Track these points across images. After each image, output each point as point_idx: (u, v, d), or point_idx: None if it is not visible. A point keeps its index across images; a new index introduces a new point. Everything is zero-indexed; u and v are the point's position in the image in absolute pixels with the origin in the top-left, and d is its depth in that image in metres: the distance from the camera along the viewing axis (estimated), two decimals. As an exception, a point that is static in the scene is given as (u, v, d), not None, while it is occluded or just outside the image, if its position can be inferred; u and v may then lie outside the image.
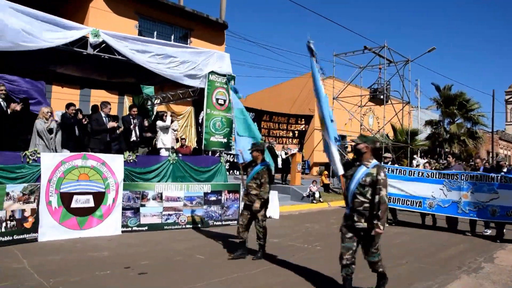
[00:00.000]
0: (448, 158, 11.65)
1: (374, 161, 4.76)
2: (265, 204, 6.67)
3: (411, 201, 10.23)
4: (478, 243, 8.87)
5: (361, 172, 4.71)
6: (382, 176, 4.61)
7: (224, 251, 7.19)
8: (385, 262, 5.14)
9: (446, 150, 28.00)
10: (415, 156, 22.34)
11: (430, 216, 10.64)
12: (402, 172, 10.54)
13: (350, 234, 4.76)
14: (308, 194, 14.74)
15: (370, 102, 22.98)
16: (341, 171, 4.99)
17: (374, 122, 27.14)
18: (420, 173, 10.35)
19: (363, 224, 4.66)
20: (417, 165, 17.60)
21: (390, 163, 11.28)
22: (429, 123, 30.30)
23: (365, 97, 22.20)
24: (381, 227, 4.55)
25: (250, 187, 6.66)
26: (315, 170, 24.87)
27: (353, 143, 5.35)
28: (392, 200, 10.16)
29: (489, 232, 9.71)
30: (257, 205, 6.47)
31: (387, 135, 23.06)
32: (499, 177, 9.24)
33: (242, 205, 7.04)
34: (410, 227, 10.53)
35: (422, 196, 10.12)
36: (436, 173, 10.21)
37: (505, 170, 9.66)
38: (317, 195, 14.74)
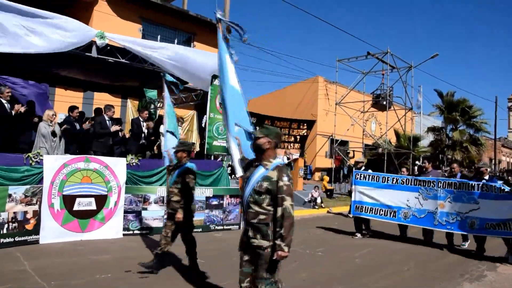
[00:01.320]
0: (424, 163, 10.68)
1: (277, 161, 3.67)
2: (189, 212, 5.74)
3: (385, 210, 9.22)
4: (454, 262, 7.73)
5: (257, 175, 3.63)
6: (285, 182, 3.52)
7: (225, 255, 7.17)
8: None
9: (449, 156, 27.95)
10: (417, 162, 22.28)
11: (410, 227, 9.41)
12: (375, 178, 9.52)
13: (247, 257, 3.73)
14: (309, 199, 14.71)
15: (372, 108, 23.00)
16: (239, 171, 4.20)
17: (376, 128, 27.12)
18: (395, 180, 9.28)
19: (258, 242, 3.58)
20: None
21: (363, 168, 10.25)
22: (431, 129, 30.25)
23: (367, 102, 22.21)
24: (285, 249, 3.47)
25: (172, 192, 5.77)
26: (317, 175, 24.84)
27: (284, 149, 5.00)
28: (364, 209, 9.41)
29: (466, 245, 8.85)
30: (179, 215, 5.62)
31: (389, 141, 23.02)
32: (480, 185, 8.13)
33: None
34: (385, 239, 9.39)
35: (396, 205, 9.11)
36: (411, 179, 9.11)
37: (486, 177, 8.43)
38: (318, 200, 14.70)
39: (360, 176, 9.65)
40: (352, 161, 22.09)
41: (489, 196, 7.98)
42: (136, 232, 8.37)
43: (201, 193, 9.24)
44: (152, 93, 13.04)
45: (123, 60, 8.56)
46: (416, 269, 6.89)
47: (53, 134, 8.45)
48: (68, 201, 7.53)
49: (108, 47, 8.27)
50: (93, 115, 11.06)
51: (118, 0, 15.06)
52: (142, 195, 8.53)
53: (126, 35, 9.44)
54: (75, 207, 7.62)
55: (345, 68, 21.76)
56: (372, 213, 9.36)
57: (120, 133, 10.00)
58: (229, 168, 13.34)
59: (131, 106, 14.55)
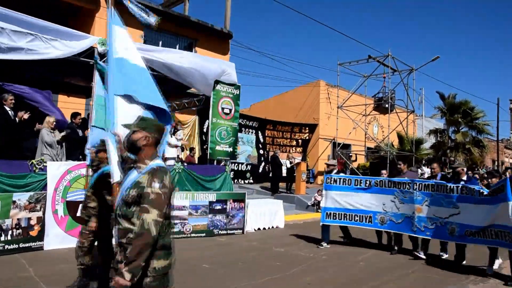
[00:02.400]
0: (399, 165, 9.64)
1: (154, 163, 2.77)
2: (105, 220, 4.79)
3: (360, 216, 8.52)
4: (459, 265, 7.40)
5: (127, 181, 2.81)
6: (155, 189, 2.61)
7: (229, 260, 7.18)
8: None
9: (451, 158, 27.91)
10: (420, 165, 22.25)
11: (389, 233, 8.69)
12: (347, 181, 8.76)
13: None
14: (313, 203, 14.70)
15: (374, 111, 23.01)
16: (117, 176, 3.44)
17: (378, 131, 27.11)
18: (368, 182, 8.55)
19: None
20: (422, 174, 17.50)
21: (335, 172, 9.25)
22: (433, 131, 30.22)
23: (369, 106, 22.22)
24: (126, 277, 2.46)
25: (89, 198, 5.04)
26: (320, 179, 24.79)
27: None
28: (337, 216, 8.67)
29: (445, 256, 8.04)
30: (93, 224, 4.94)
31: (392, 144, 23.02)
32: (459, 188, 7.34)
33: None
34: (364, 247, 8.72)
35: (372, 210, 8.42)
36: (386, 181, 8.37)
37: (464, 178, 7.81)
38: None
39: (331, 180, 8.86)
40: (355, 164, 22.11)
41: (469, 200, 7.17)
42: (139, 237, 8.37)
43: (204, 197, 9.26)
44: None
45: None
46: (420, 272, 6.88)
47: (58, 142, 8.54)
48: (72, 207, 7.55)
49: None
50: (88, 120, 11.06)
51: (120, 7, 15.08)
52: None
53: (128, 41, 9.48)
54: (79, 213, 7.59)
55: (347, 71, 21.81)
56: (346, 219, 8.64)
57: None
58: (232, 172, 13.36)
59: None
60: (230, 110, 10.25)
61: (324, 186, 8.98)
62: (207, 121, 10.47)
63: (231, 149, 10.37)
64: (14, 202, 6.85)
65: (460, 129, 29.13)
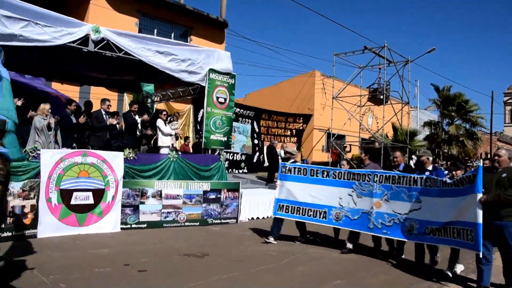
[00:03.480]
0: (361, 155, 8.76)
1: None
2: None
3: (314, 211, 7.69)
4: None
5: None
6: None
7: (223, 248, 7.21)
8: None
9: (445, 151, 28.06)
10: (413, 156, 22.37)
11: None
12: (303, 171, 7.96)
13: None
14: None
15: (369, 102, 23.00)
16: None
17: (373, 122, 27.17)
18: (325, 173, 7.73)
19: None
20: (415, 165, 17.56)
21: (291, 161, 8.46)
22: (428, 123, 30.34)
23: (364, 97, 22.22)
24: None
25: None
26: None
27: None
28: (289, 210, 7.92)
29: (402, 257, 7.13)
30: None
31: (386, 135, 23.08)
32: (423, 179, 6.53)
33: None
34: (319, 246, 7.90)
35: (327, 204, 7.59)
36: (344, 172, 7.57)
37: (429, 168, 7.03)
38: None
39: (287, 170, 8.13)
40: (349, 155, 22.17)
41: (432, 193, 6.35)
42: (134, 226, 8.39)
43: (199, 187, 9.27)
44: (149, 87, 13.01)
45: (120, 54, 8.53)
46: (373, 276, 6.27)
47: (48, 127, 8.45)
48: (66, 195, 7.54)
49: (105, 41, 8.23)
50: (83, 108, 11.00)
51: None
52: (140, 189, 8.54)
53: (122, 29, 9.39)
54: (73, 202, 7.63)
55: (342, 62, 21.76)
56: (299, 213, 7.84)
57: (118, 126, 10.02)
58: (227, 162, 13.36)
59: (128, 100, 14.51)
60: (225, 99, 10.22)
61: (278, 176, 8.28)
62: (202, 110, 10.43)
63: (225, 139, 10.36)
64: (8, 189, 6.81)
65: (454, 121, 29.27)
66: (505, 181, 5.45)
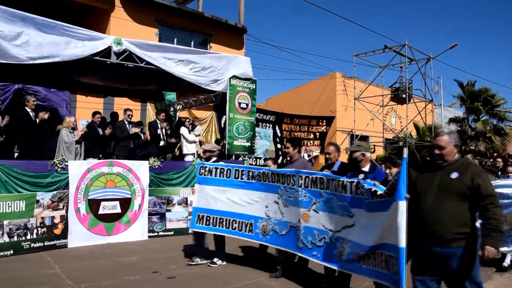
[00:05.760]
0: (286, 147, 6.58)
1: None
2: None
3: (239, 222, 6.06)
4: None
5: None
6: None
7: (249, 254, 7.21)
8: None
9: (472, 147, 27.49)
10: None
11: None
12: (226, 172, 6.28)
13: None
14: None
15: (392, 102, 22.74)
16: None
17: (396, 122, 26.82)
18: (251, 175, 6.01)
19: None
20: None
21: (213, 160, 6.84)
22: (453, 120, 29.76)
23: (386, 96, 21.98)
24: None
25: None
26: (338, 171, 24.69)
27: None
28: (210, 221, 6.32)
29: None
30: None
31: (410, 134, 22.76)
32: (353, 185, 4.59)
33: None
34: (244, 266, 6.37)
35: (253, 214, 5.95)
36: (268, 173, 5.78)
37: (366, 168, 5.16)
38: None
39: (207, 171, 6.50)
40: (373, 156, 21.92)
41: (361, 204, 4.51)
42: (161, 233, 8.48)
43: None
44: (171, 96, 13.17)
45: (142, 65, 8.67)
46: None
47: (78, 142, 8.72)
48: (94, 205, 7.68)
49: (127, 52, 8.38)
50: (109, 120, 11.22)
51: (134, 6, 15.23)
52: (166, 197, 8.64)
53: (143, 39, 9.56)
54: (101, 211, 7.77)
55: (363, 62, 21.60)
56: (221, 226, 6.22)
57: (142, 136, 10.17)
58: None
59: (151, 109, 14.70)
60: (247, 104, 10.26)
61: (197, 179, 6.67)
62: (224, 116, 10.49)
63: (249, 144, 10.38)
64: (37, 201, 7.00)
65: (481, 117, 28.61)
66: (454, 184, 3.44)
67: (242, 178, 6.12)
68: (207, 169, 6.49)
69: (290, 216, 5.46)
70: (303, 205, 5.25)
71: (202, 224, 6.40)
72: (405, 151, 3.72)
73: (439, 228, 3.39)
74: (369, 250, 4.25)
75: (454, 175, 3.44)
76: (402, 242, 3.60)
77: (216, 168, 6.39)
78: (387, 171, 5.23)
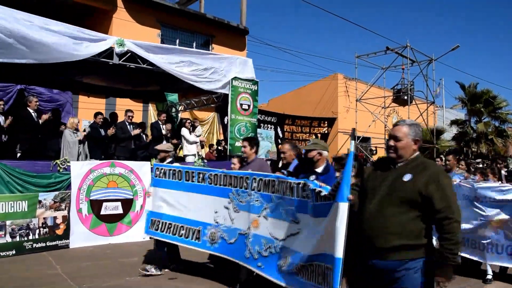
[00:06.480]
0: (242, 146, 6.13)
1: None
2: None
3: (187, 229, 5.52)
4: None
5: None
6: None
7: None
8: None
9: (473, 149, 27.45)
10: (441, 156, 21.99)
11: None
12: (177, 175, 5.79)
13: None
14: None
15: (394, 103, 22.77)
16: None
17: (398, 123, 26.84)
18: (201, 176, 5.52)
19: None
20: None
21: (168, 161, 6.40)
22: (454, 122, 29.74)
23: (388, 98, 22.00)
24: None
25: None
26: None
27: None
28: (161, 227, 5.80)
29: None
30: None
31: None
32: (299, 187, 4.12)
33: None
34: (201, 277, 5.80)
35: (201, 219, 5.41)
36: (220, 175, 5.29)
37: (319, 169, 4.57)
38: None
39: (161, 173, 6.03)
40: (374, 158, 21.93)
41: (307, 208, 3.99)
42: (162, 234, 8.48)
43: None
44: (173, 97, 13.19)
45: (144, 66, 8.69)
46: None
47: (80, 142, 8.74)
48: (96, 205, 7.70)
49: (129, 53, 8.40)
50: (109, 120, 11.24)
51: (137, 6, 15.28)
52: (167, 198, 8.63)
53: (145, 40, 9.59)
54: (103, 212, 7.78)
55: (365, 64, 21.64)
56: (171, 232, 5.68)
57: (145, 137, 10.19)
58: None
59: (153, 110, 14.74)
60: (249, 106, 10.27)
61: (151, 181, 6.42)
62: (226, 117, 10.51)
63: (250, 145, 10.38)
64: (40, 201, 7.02)
65: (482, 119, 28.60)
66: (405, 189, 2.84)
67: (192, 181, 5.64)
68: (161, 170, 6.04)
69: (240, 223, 4.96)
70: (254, 211, 4.77)
71: (155, 229, 5.90)
72: (352, 145, 3.28)
73: (377, 237, 2.83)
74: (307, 261, 3.79)
75: (407, 177, 2.85)
76: (339, 252, 3.06)
77: (170, 170, 5.95)
78: (337, 174, 4.79)
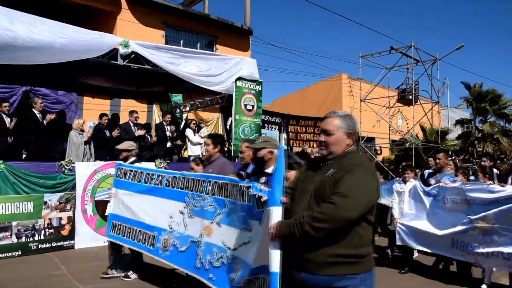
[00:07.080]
0: (205, 143, 5.79)
1: None
2: None
3: (144, 234, 5.15)
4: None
5: None
6: None
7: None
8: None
9: (479, 149, 27.33)
10: (435, 155, 21.90)
11: None
12: (137, 176, 5.48)
13: None
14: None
15: (398, 103, 22.68)
16: None
17: (403, 123, 26.76)
18: (159, 179, 5.13)
19: None
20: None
21: (131, 160, 6.14)
22: (459, 122, 29.62)
23: (393, 98, 21.91)
24: None
25: None
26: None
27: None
28: (121, 230, 5.48)
29: None
30: None
31: (417, 135, 22.68)
32: (245, 188, 3.74)
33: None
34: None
35: (157, 225, 5.02)
36: (178, 177, 4.89)
37: (270, 170, 4.12)
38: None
39: (122, 173, 5.75)
40: (379, 158, 21.88)
41: (255, 214, 3.56)
42: (167, 235, 8.49)
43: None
44: (177, 98, 13.22)
45: (148, 67, 8.72)
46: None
47: (86, 142, 8.77)
48: (100, 206, 7.72)
49: (133, 54, 8.43)
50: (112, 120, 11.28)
51: (141, 8, 15.31)
52: (172, 198, 8.63)
53: (149, 41, 9.61)
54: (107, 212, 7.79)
55: (369, 64, 21.54)
56: (130, 236, 5.37)
57: (150, 138, 10.21)
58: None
59: (157, 111, 14.77)
60: (253, 106, 10.28)
61: (113, 182, 5.98)
62: (230, 118, 10.52)
63: (254, 145, 10.38)
64: (45, 202, 7.06)
65: (488, 118, 28.46)
66: (326, 186, 2.45)
67: (150, 183, 5.27)
68: (123, 171, 5.75)
69: (193, 229, 4.51)
70: (207, 216, 4.30)
71: (116, 232, 5.59)
72: (283, 138, 2.93)
73: (305, 247, 2.41)
74: (253, 274, 3.37)
75: (330, 172, 2.47)
76: (275, 265, 2.58)
77: (131, 171, 5.65)
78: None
